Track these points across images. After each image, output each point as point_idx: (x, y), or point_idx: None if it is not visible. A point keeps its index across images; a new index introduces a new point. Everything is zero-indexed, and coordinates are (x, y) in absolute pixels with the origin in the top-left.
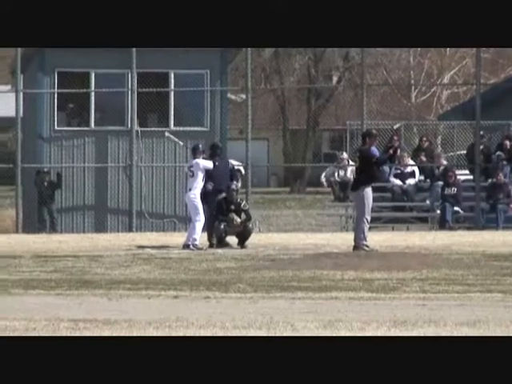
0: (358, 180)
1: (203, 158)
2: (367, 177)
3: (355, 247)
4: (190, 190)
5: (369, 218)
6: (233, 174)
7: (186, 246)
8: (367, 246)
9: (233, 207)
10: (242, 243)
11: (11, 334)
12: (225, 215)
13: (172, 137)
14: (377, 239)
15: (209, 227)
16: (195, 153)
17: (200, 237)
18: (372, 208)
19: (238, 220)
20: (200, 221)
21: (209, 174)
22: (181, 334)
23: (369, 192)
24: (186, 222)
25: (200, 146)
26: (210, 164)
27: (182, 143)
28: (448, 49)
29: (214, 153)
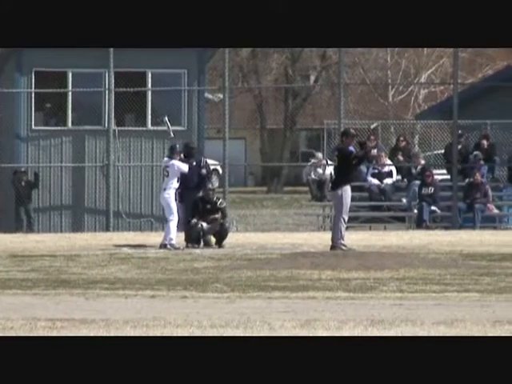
0: (336, 179)
1: (180, 160)
2: (345, 176)
3: (332, 246)
4: (165, 189)
5: (346, 218)
6: (204, 166)
7: (163, 246)
8: (344, 246)
9: (209, 206)
10: (219, 242)
11: None
12: (201, 215)
13: (168, 123)
14: (354, 238)
15: (185, 227)
16: (172, 153)
17: (176, 236)
18: (350, 207)
19: (216, 219)
20: (173, 220)
21: (183, 175)
22: (158, 333)
23: (348, 191)
24: (163, 221)
25: (177, 146)
26: (185, 167)
27: (173, 135)
28: (425, 48)
29: (189, 154)
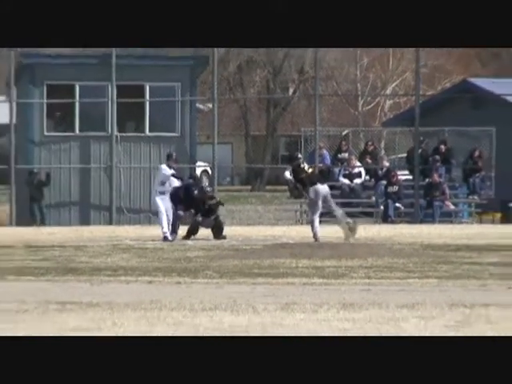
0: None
1: (172, 168)
2: (306, 181)
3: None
4: (152, 194)
5: (316, 213)
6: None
7: (165, 238)
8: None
9: (206, 206)
10: (218, 235)
11: (4, 316)
12: (196, 211)
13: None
14: (328, 231)
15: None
16: (167, 159)
17: (166, 228)
18: (322, 206)
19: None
20: (162, 213)
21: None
22: (155, 314)
23: (317, 189)
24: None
25: (174, 154)
26: (168, 172)
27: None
28: (390, 63)
29: (194, 182)
